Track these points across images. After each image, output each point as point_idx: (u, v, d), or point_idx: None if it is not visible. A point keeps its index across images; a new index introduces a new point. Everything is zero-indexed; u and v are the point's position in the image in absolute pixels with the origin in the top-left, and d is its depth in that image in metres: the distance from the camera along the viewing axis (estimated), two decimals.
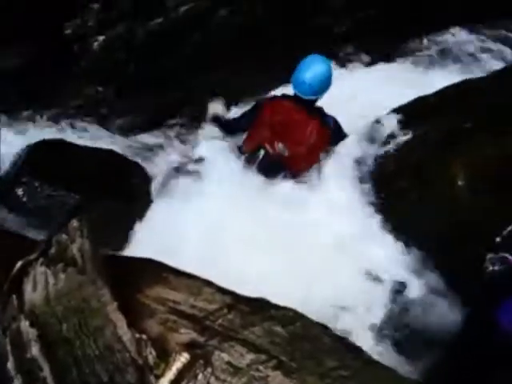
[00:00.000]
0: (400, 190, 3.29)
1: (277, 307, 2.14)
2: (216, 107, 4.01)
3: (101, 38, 4.36)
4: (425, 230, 3.04)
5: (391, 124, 3.87)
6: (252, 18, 4.50)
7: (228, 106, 4.14)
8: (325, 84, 3.72)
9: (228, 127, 3.96)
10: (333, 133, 3.78)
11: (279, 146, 3.76)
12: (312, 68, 3.67)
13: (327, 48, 4.39)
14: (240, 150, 3.83)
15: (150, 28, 4.44)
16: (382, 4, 4.64)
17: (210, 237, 3.38)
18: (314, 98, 3.75)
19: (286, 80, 3.88)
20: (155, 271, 2.31)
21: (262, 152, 3.75)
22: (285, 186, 3.55)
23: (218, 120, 3.96)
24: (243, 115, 3.96)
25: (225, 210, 3.40)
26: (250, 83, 4.46)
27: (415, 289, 2.94)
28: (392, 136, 3.73)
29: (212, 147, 3.80)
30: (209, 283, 2.26)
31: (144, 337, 2.04)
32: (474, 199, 2.99)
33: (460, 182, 3.06)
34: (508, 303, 2.26)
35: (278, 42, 4.53)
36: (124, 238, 3.43)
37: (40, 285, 2.15)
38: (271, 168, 3.68)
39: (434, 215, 3.05)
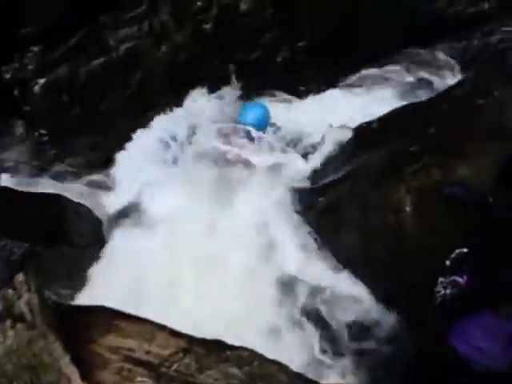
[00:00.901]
0: (347, 218, 3.35)
1: (232, 347, 2.15)
2: None
3: (42, 80, 4.33)
4: (374, 257, 3.10)
5: (335, 151, 4.00)
6: (192, 54, 4.56)
7: None
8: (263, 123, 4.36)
9: None
10: None
11: None
12: (252, 112, 4.36)
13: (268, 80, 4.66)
14: None
15: (93, 68, 4.45)
16: (320, 35, 4.74)
17: (163, 275, 3.40)
18: None
19: None
20: (107, 319, 2.28)
21: None
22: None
23: None
24: None
25: (172, 247, 3.43)
26: None
27: (368, 315, 2.98)
28: (337, 163, 3.85)
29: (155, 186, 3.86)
30: (162, 327, 2.24)
31: None
32: (422, 224, 3.05)
33: (407, 208, 3.12)
34: (461, 326, 2.29)
35: (214, 78, 4.62)
36: (76, 284, 3.37)
37: None
38: None
39: (382, 243, 3.11)
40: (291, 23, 4.75)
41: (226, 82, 4.59)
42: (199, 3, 4.60)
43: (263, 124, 4.38)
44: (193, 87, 4.55)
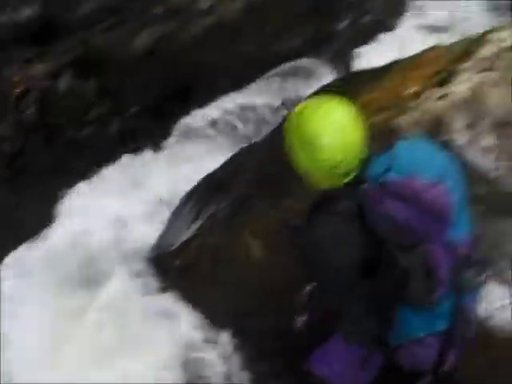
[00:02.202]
0: (204, 274, 3.31)
1: None
2: None
3: None
4: (235, 308, 3.06)
5: (182, 207, 3.97)
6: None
7: None
8: None
9: None
10: None
11: None
12: None
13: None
14: None
15: None
16: (150, 99, 4.76)
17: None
18: None
19: None
20: None
21: None
22: None
23: None
24: None
25: None
26: None
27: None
28: (185, 220, 3.82)
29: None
30: None
31: None
32: (271, 264, 3.06)
33: (255, 251, 3.13)
34: (320, 352, 2.34)
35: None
36: None
37: None
38: None
39: (236, 290, 3.09)
40: (119, 94, 4.74)
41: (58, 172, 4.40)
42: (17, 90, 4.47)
43: None
44: None
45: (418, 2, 6.24)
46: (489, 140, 2.65)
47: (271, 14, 5.17)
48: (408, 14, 6.21)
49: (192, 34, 4.65)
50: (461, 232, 2.06)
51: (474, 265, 2.07)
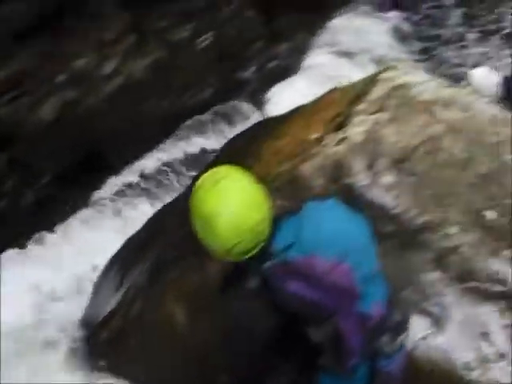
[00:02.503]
0: (131, 346, 3.22)
1: None
2: None
3: None
4: (162, 379, 2.99)
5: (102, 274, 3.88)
6: None
7: None
8: None
9: None
10: None
11: None
12: None
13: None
14: None
15: None
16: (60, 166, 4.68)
17: None
18: None
19: None
20: None
21: None
22: None
23: None
24: None
25: None
26: None
27: None
28: (108, 287, 3.73)
29: None
30: None
31: None
32: (194, 333, 2.99)
33: (178, 319, 3.05)
34: None
35: None
36: None
37: None
38: None
39: (162, 361, 3.01)
40: (29, 164, 4.63)
41: None
42: None
43: None
44: None
45: (325, 40, 6.46)
46: (388, 178, 2.73)
47: (179, 68, 5.24)
48: (316, 52, 6.42)
49: (98, 99, 4.62)
50: (371, 301, 2.07)
51: (389, 331, 2.10)
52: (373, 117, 2.89)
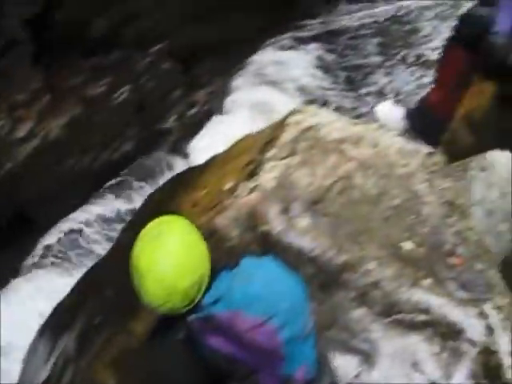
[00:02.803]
0: None
1: None
2: None
3: None
4: None
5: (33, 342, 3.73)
6: None
7: None
8: None
9: None
10: None
11: None
12: None
13: None
14: None
15: None
16: None
17: None
18: None
19: None
20: None
21: None
22: None
23: None
24: None
25: None
26: None
27: None
28: (40, 356, 3.58)
29: None
30: None
31: None
32: None
33: (109, 383, 2.96)
34: None
35: None
36: None
37: None
38: None
39: None
40: None
41: None
42: None
43: None
44: None
45: (248, 75, 6.55)
46: (304, 221, 2.75)
47: (97, 124, 5.20)
48: (237, 94, 6.51)
49: (13, 163, 4.51)
50: (298, 364, 2.03)
51: None
52: (284, 161, 2.93)
